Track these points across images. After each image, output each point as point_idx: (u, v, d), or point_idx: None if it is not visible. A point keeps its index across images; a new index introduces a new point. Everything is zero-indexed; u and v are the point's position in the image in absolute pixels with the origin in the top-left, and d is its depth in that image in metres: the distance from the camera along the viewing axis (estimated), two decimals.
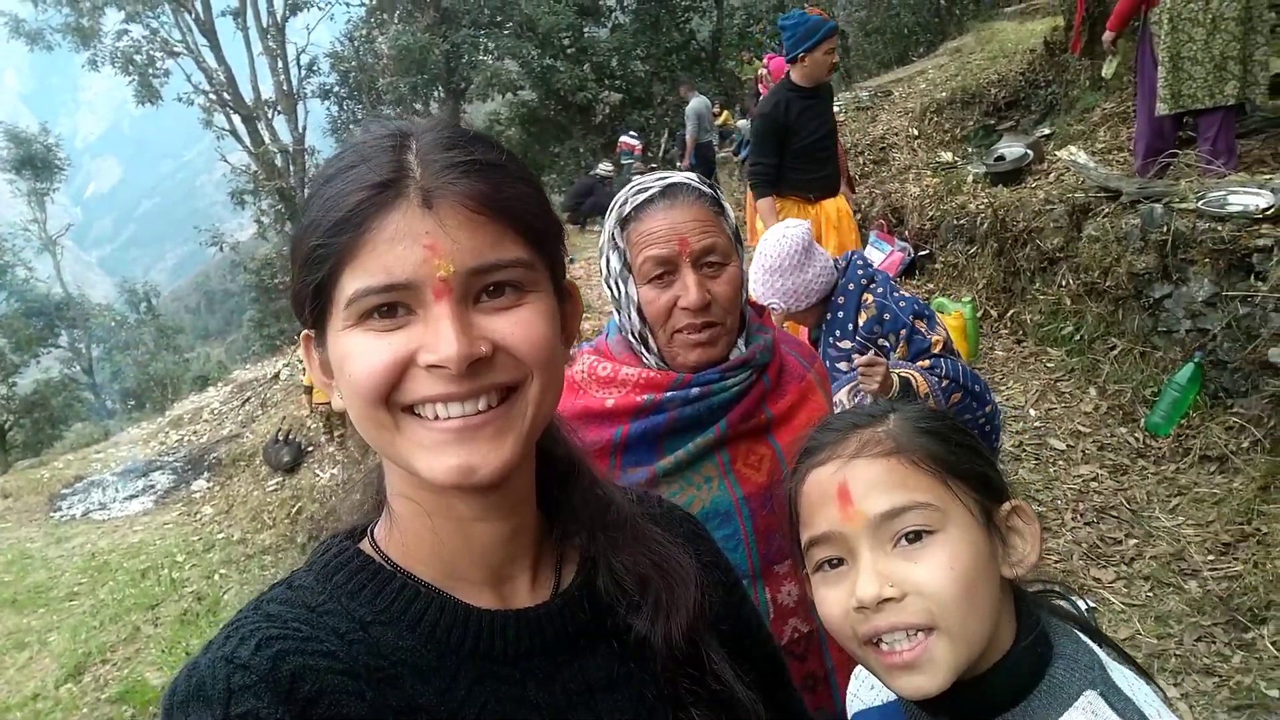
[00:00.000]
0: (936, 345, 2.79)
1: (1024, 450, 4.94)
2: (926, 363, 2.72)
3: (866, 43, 18.10)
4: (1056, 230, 5.94)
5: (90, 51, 23.64)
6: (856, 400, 2.55)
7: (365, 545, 0.86)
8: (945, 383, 2.66)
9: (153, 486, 9.65)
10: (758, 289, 2.86)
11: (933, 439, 1.00)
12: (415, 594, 0.81)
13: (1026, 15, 12.50)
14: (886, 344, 2.81)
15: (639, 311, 1.57)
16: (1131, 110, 6.79)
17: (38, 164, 28.31)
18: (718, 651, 0.93)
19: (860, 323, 2.85)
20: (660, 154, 18.86)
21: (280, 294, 21.23)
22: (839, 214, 5.25)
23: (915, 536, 0.95)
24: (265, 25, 23.74)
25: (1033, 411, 5.29)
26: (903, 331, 2.79)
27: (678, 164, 14.72)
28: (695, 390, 1.55)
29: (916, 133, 10.00)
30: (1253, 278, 4.41)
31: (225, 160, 24.04)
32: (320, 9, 24.69)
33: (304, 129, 24.31)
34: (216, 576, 7.02)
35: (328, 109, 24.71)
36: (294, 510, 7.84)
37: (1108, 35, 6.22)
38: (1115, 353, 5.25)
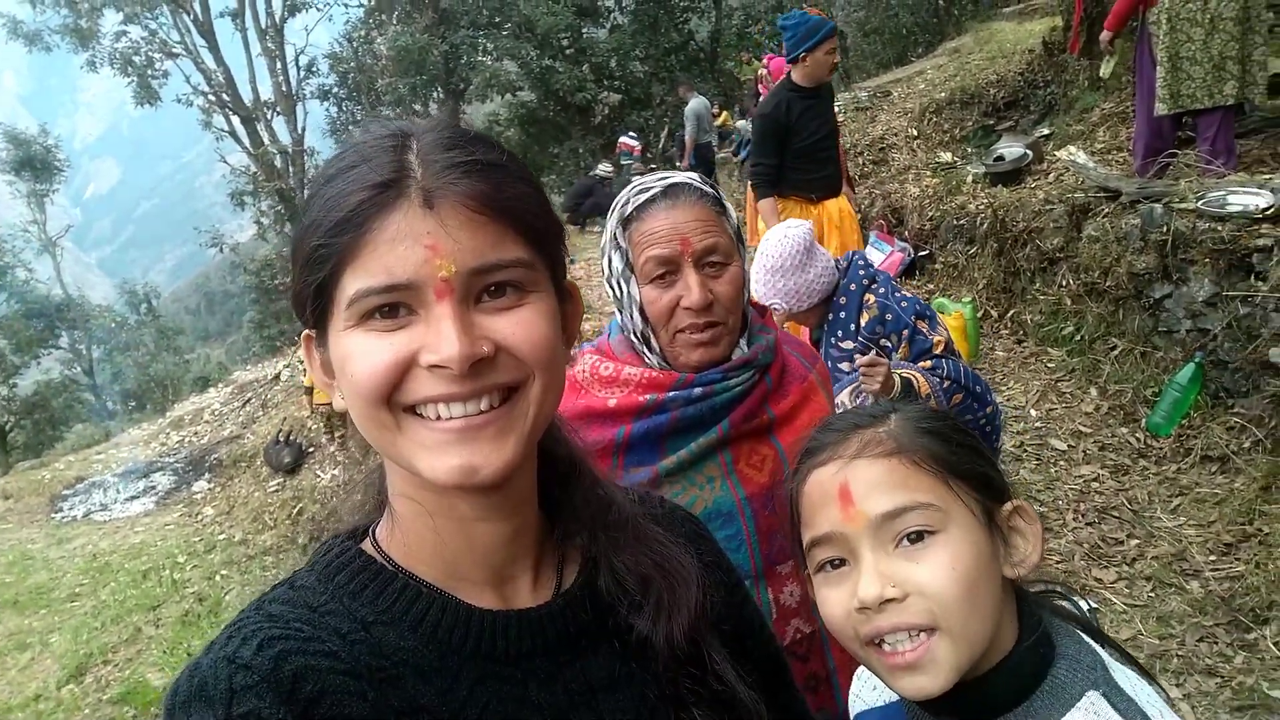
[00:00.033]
0: (938, 346, 2.79)
1: (1025, 450, 4.94)
2: (928, 363, 2.72)
3: (865, 43, 18.09)
4: (1056, 230, 5.94)
5: (89, 53, 23.65)
6: (859, 401, 2.55)
7: (367, 545, 0.86)
8: (947, 383, 2.66)
9: (154, 487, 9.64)
10: (759, 289, 2.85)
11: (934, 439, 1.00)
12: (417, 594, 0.81)
13: (1025, 15, 12.50)
14: (888, 344, 2.81)
15: (641, 311, 1.57)
16: (1130, 110, 6.79)
17: (37, 165, 28.30)
18: (719, 652, 0.93)
19: (862, 323, 2.85)
20: (659, 151, 18.86)
21: (280, 295, 21.24)
22: (841, 214, 5.25)
23: (917, 537, 0.95)
24: (264, 26, 23.74)
25: (1034, 412, 5.29)
26: (905, 332, 2.79)
27: (677, 164, 14.73)
28: (698, 390, 1.55)
29: (916, 133, 9.99)
30: (1253, 277, 4.41)
31: (224, 161, 24.04)
32: (319, 10, 24.71)
33: (303, 130, 24.31)
34: (218, 577, 7.02)
35: (327, 110, 24.70)
36: (295, 511, 7.84)
37: (1105, 35, 6.22)
38: (1116, 353, 5.25)
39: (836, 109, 5.60)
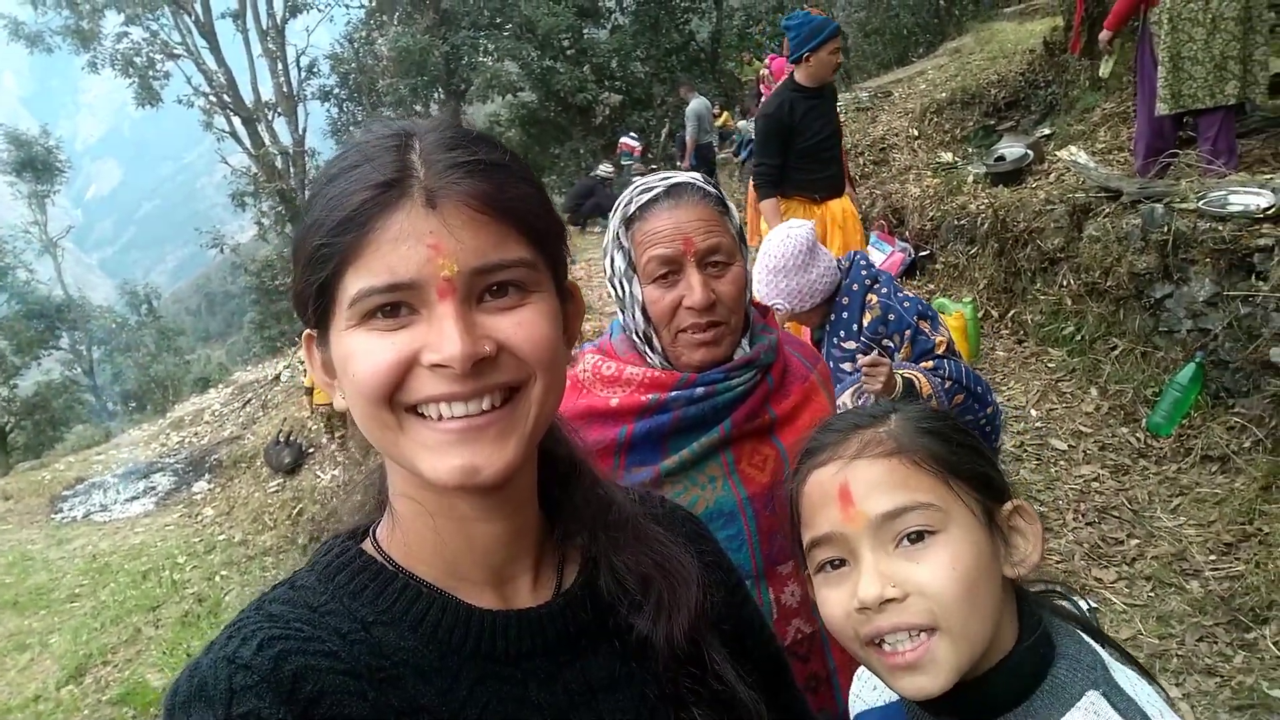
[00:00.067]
0: (940, 346, 2.79)
1: (1025, 450, 4.94)
2: (930, 364, 2.72)
3: (866, 43, 18.09)
4: (1057, 230, 5.94)
5: (90, 54, 23.63)
6: (860, 402, 2.55)
7: (367, 546, 0.86)
8: (948, 384, 2.66)
9: (154, 488, 9.65)
10: (762, 289, 2.85)
11: (934, 439, 1.00)
12: (417, 594, 0.81)
13: (1026, 15, 12.50)
14: (891, 344, 2.80)
15: (643, 311, 1.57)
16: (1131, 110, 6.79)
17: (38, 166, 28.31)
18: (719, 651, 0.93)
19: (865, 323, 2.85)
20: (660, 151, 18.86)
21: (281, 296, 21.24)
22: (844, 214, 5.25)
23: (917, 537, 0.95)
24: (265, 27, 23.74)
25: (1034, 412, 5.29)
26: (907, 332, 2.79)
27: (678, 164, 14.72)
28: (700, 390, 1.55)
29: (916, 133, 9.99)
30: (1254, 277, 4.41)
31: (225, 162, 24.04)
32: (320, 11, 24.71)
33: (304, 131, 24.32)
34: (218, 578, 7.02)
35: (328, 111, 24.70)
36: (295, 512, 7.84)
37: (1105, 34, 6.21)
38: (1116, 353, 5.25)
39: (838, 109, 5.60)
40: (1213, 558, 3.84)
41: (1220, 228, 4.60)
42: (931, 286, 7.27)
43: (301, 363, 10.42)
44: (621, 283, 1.60)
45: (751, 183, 5.47)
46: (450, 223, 0.73)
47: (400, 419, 0.76)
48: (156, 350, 29.87)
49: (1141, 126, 5.99)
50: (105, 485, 10.04)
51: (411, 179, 0.74)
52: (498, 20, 21.87)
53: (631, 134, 17.05)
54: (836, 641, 1.03)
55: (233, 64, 24.29)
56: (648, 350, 1.61)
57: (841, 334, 2.92)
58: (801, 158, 5.07)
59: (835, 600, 0.98)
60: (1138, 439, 4.75)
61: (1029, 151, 7.82)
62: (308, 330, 0.82)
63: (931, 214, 7.67)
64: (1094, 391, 5.25)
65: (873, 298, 2.87)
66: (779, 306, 2.87)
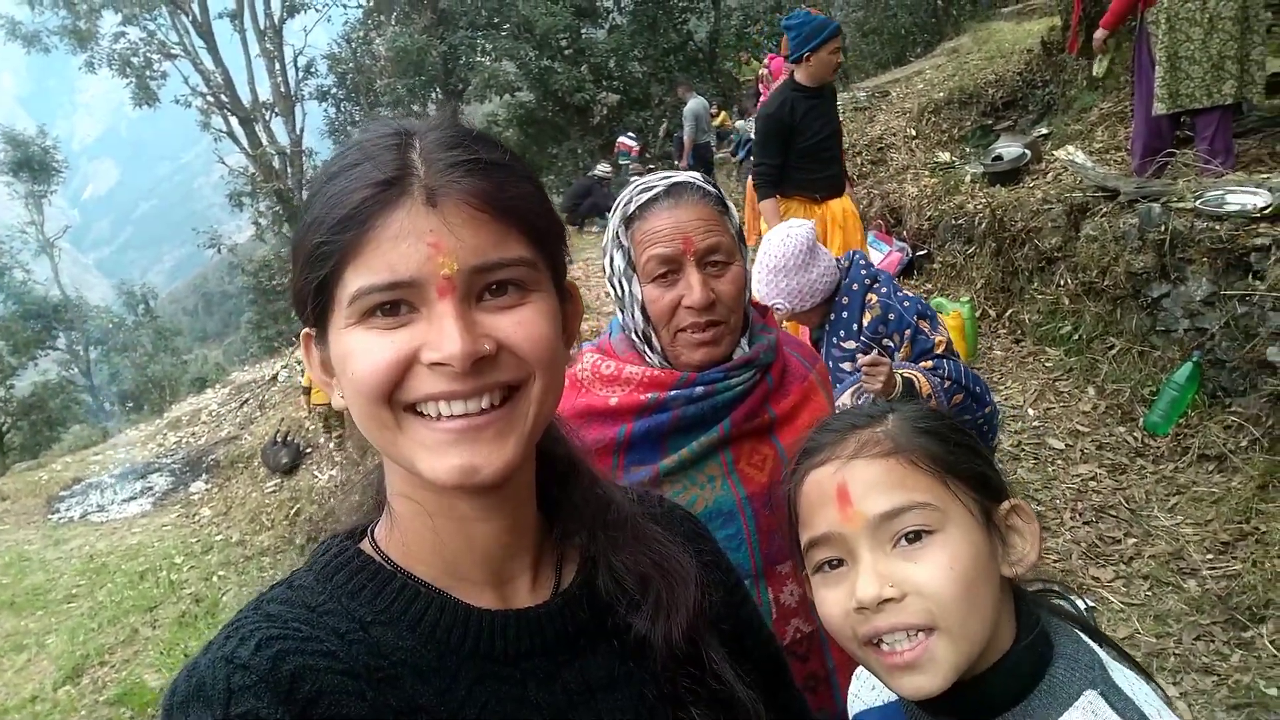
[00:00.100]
0: (939, 346, 2.79)
1: (1023, 450, 4.95)
2: (930, 363, 2.72)
3: (864, 43, 18.11)
4: (1054, 230, 5.94)
5: (87, 54, 23.63)
6: (860, 402, 2.55)
7: (365, 545, 0.86)
8: (948, 384, 2.66)
9: (151, 488, 9.64)
10: (762, 289, 2.85)
11: (931, 439, 1.00)
12: (415, 594, 0.81)
13: (1023, 15, 12.51)
14: (891, 344, 2.80)
15: (643, 310, 1.57)
16: (1129, 110, 6.79)
17: (35, 166, 28.28)
18: (718, 651, 0.93)
19: (865, 323, 2.85)
20: (658, 149, 18.86)
21: (278, 296, 21.23)
22: (845, 214, 5.24)
23: (915, 536, 0.94)
24: (262, 27, 23.73)
25: (1031, 411, 5.30)
26: (907, 332, 2.79)
27: (676, 164, 14.72)
28: (699, 389, 1.55)
29: (914, 133, 10.00)
30: (1251, 277, 4.42)
31: (223, 162, 24.04)
32: (317, 11, 24.72)
33: (302, 131, 24.31)
34: (215, 578, 7.02)
35: (325, 111, 24.70)
36: (292, 512, 7.84)
37: (1100, 33, 6.20)
38: (1114, 352, 5.26)
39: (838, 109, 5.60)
40: (1210, 556, 3.85)
41: (1217, 227, 4.61)
42: (929, 286, 7.28)
43: (299, 363, 10.41)
44: (621, 281, 1.60)
45: (751, 182, 5.47)
46: (450, 221, 0.73)
47: (399, 418, 0.76)
48: (153, 350, 29.83)
49: (1139, 126, 5.99)
50: (102, 485, 10.04)
51: (412, 177, 0.74)
52: (495, 20, 21.87)
53: (629, 134, 17.04)
54: (835, 641, 1.02)
55: (230, 64, 24.29)
56: (647, 349, 1.61)
57: (841, 333, 2.91)
58: (802, 157, 5.07)
59: (833, 600, 0.98)
60: (1135, 438, 4.76)
61: (1026, 151, 7.83)
62: (306, 329, 0.82)
63: (929, 213, 7.68)
64: (1091, 391, 5.25)
65: (872, 297, 2.86)
66: (779, 306, 2.87)
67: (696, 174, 1.63)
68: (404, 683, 0.76)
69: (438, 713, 0.76)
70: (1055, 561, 4.00)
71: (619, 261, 1.59)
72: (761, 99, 10.69)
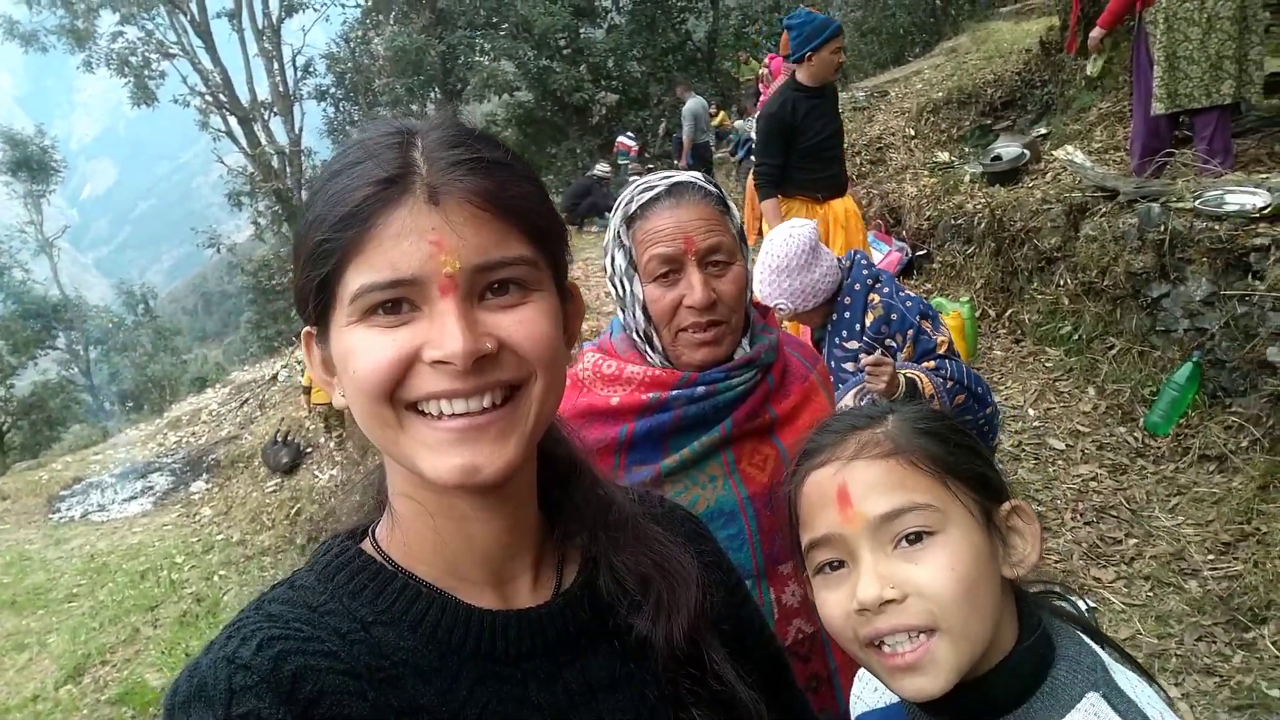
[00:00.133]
0: (942, 346, 2.78)
1: (1023, 450, 4.95)
2: (932, 364, 2.72)
3: (862, 43, 18.09)
4: (1054, 230, 5.94)
5: (85, 53, 23.62)
6: (863, 402, 2.54)
7: (367, 545, 0.86)
8: (950, 384, 2.65)
9: (151, 488, 9.63)
10: (765, 289, 2.84)
11: (931, 440, 1.00)
12: (417, 594, 0.81)
13: (1022, 15, 12.51)
14: (893, 344, 2.80)
15: (644, 310, 1.57)
16: (1127, 110, 6.79)
17: (34, 166, 28.27)
18: (719, 651, 0.93)
19: (868, 323, 2.84)
20: (657, 149, 18.85)
21: (278, 295, 21.22)
22: (847, 214, 5.24)
23: (915, 538, 0.94)
24: (261, 26, 23.71)
25: (1031, 411, 5.30)
26: (910, 332, 2.78)
27: (675, 163, 14.72)
28: (701, 389, 1.55)
29: (913, 133, 10.00)
30: (1250, 277, 4.42)
31: (222, 162, 24.02)
32: (316, 10, 24.70)
33: (300, 130, 24.29)
34: (216, 578, 7.01)
35: (324, 110, 24.68)
36: (293, 511, 7.83)
37: (1097, 32, 6.18)
38: (1114, 352, 5.26)
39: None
40: (1211, 557, 3.85)
41: (1217, 227, 4.61)
42: (928, 286, 7.28)
43: (299, 362, 10.42)
44: (622, 281, 1.60)
45: (751, 182, 5.45)
46: (453, 219, 0.73)
47: (400, 416, 0.76)
48: (153, 350, 29.83)
49: (1137, 126, 5.99)
50: (103, 485, 10.03)
51: (414, 175, 0.74)
52: (494, 20, 21.86)
53: (628, 133, 17.05)
54: (836, 642, 1.02)
55: (228, 63, 24.28)
56: (648, 349, 1.61)
57: (844, 333, 2.91)
58: (804, 157, 5.06)
59: (834, 602, 0.98)
60: (1135, 438, 4.76)
61: (1025, 151, 7.83)
62: (307, 327, 0.82)
63: (928, 213, 7.68)
64: (1091, 391, 5.25)
65: (875, 297, 2.86)
66: (781, 306, 2.86)
67: (698, 174, 1.62)
68: (405, 683, 0.76)
69: (439, 713, 0.76)
70: (1056, 562, 4.00)
71: (620, 261, 1.59)
72: (762, 99, 10.68)
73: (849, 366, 2.85)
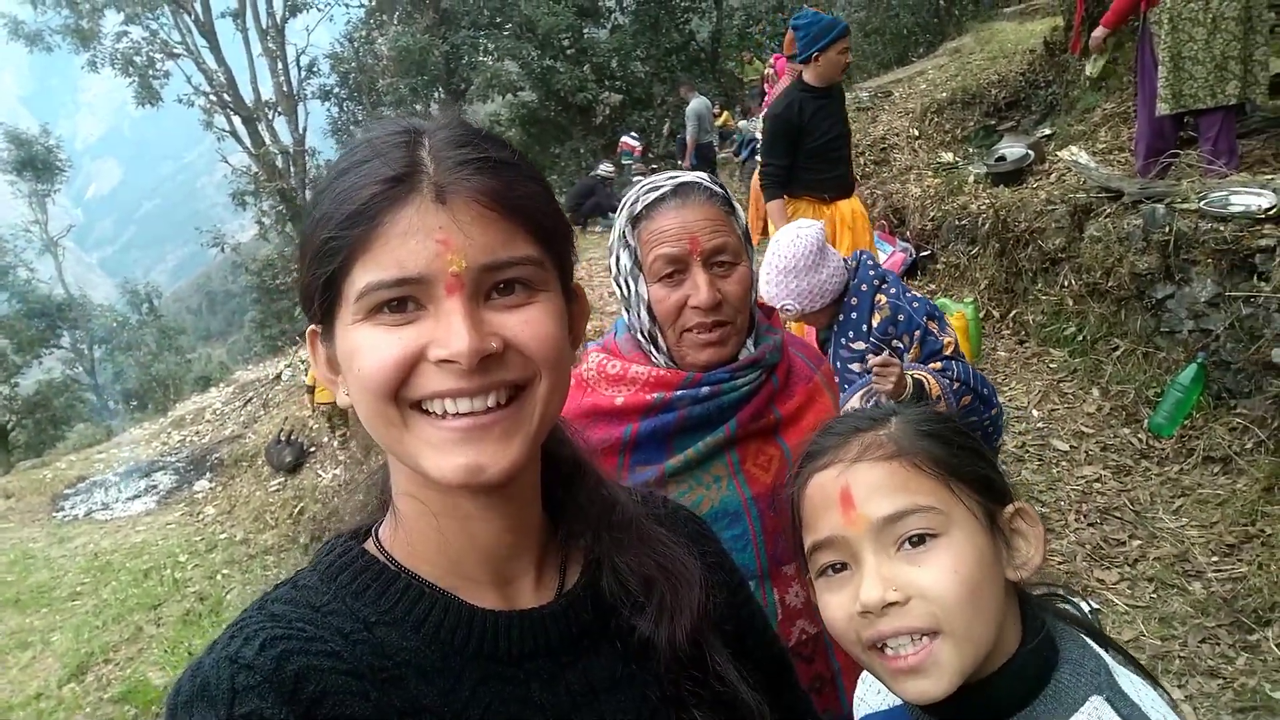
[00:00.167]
0: (948, 347, 2.77)
1: (1027, 451, 4.94)
2: (938, 365, 2.71)
3: (866, 43, 18.06)
4: (1058, 231, 5.93)
5: (90, 53, 23.64)
6: (870, 404, 2.54)
7: (370, 545, 0.86)
8: (957, 385, 2.65)
9: (155, 487, 9.66)
10: (772, 290, 2.83)
11: (935, 442, 1.00)
12: (420, 594, 0.81)
13: (1026, 15, 12.48)
14: (900, 345, 2.79)
15: (649, 310, 1.57)
16: (1132, 110, 6.78)
17: (38, 165, 28.36)
18: (721, 652, 0.93)
19: (874, 324, 2.83)
20: (661, 149, 18.85)
21: (282, 295, 21.25)
22: (854, 215, 5.22)
23: (918, 540, 0.94)
24: (265, 26, 23.74)
25: (1035, 412, 5.29)
26: (916, 333, 2.77)
27: (679, 164, 14.72)
28: (705, 389, 1.55)
29: (917, 133, 9.98)
30: (1255, 278, 4.41)
31: (226, 161, 24.05)
32: (320, 10, 24.70)
33: (304, 130, 24.32)
34: (219, 577, 7.03)
35: (328, 110, 24.70)
36: (296, 510, 7.84)
37: (1100, 31, 6.16)
38: (1118, 353, 5.25)
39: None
40: (1215, 559, 3.84)
41: (1221, 228, 4.60)
42: (933, 287, 7.27)
43: (303, 361, 10.44)
44: (627, 281, 1.60)
45: (757, 182, 5.44)
46: (459, 218, 0.73)
47: (405, 415, 0.76)
48: (157, 349, 29.93)
49: (1142, 127, 5.98)
50: (107, 484, 10.06)
51: (421, 174, 0.74)
52: (498, 20, 21.86)
53: (632, 133, 17.05)
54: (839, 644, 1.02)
55: (233, 63, 24.31)
56: (653, 349, 1.61)
57: (850, 334, 2.90)
58: (810, 158, 5.05)
59: (837, 604, 0.98)
60: (1139, 440, 4.75)
61: (1030, 152, 7.81)
62: (312, 326, 0.82)
63: (932, 214, 7.67)
64: (1095, 392, 5.24)
65: (882, 298, 2.85)
66: (789, 307, 2.85)
67: (703, 174, 1.62)
68: (408, 683, 0.76)
69: (441, 713, 0.76)
70: (1060, 564, 3.99)
71: (625, 261, 1.59)
72: (767, 99, 10.68)
73: (855, 367, 2.84)
